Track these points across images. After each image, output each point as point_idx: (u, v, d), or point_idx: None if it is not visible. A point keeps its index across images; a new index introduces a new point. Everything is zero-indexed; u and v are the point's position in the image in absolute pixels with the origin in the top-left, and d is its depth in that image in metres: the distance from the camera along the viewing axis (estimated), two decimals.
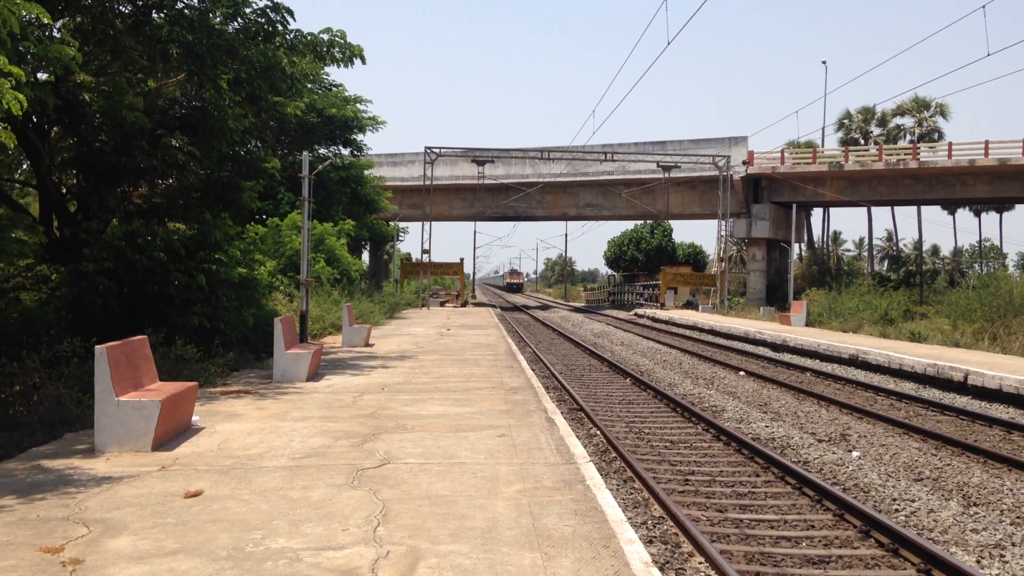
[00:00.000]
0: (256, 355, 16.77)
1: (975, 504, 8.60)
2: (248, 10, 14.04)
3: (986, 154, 45.43)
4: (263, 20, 14.08)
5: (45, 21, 9.78)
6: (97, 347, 8.26)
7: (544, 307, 65.67)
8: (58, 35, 13.55)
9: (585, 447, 9.88)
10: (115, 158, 14.15)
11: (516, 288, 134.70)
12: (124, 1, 13.33)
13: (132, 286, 14.21)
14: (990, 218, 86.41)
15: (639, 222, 77.40)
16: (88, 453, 8.21)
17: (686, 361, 22.31)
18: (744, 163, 51.13)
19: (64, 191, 15.79)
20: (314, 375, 14.33)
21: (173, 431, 8.88)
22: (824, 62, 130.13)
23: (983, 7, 22.28)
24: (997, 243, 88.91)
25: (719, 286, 50.80)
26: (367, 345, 20.85)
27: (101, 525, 5.90)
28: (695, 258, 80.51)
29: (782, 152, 52.49)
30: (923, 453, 10.91)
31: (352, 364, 16.59)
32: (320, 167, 25.43)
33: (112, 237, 14.14)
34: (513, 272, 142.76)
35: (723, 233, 51.99)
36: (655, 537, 7.27)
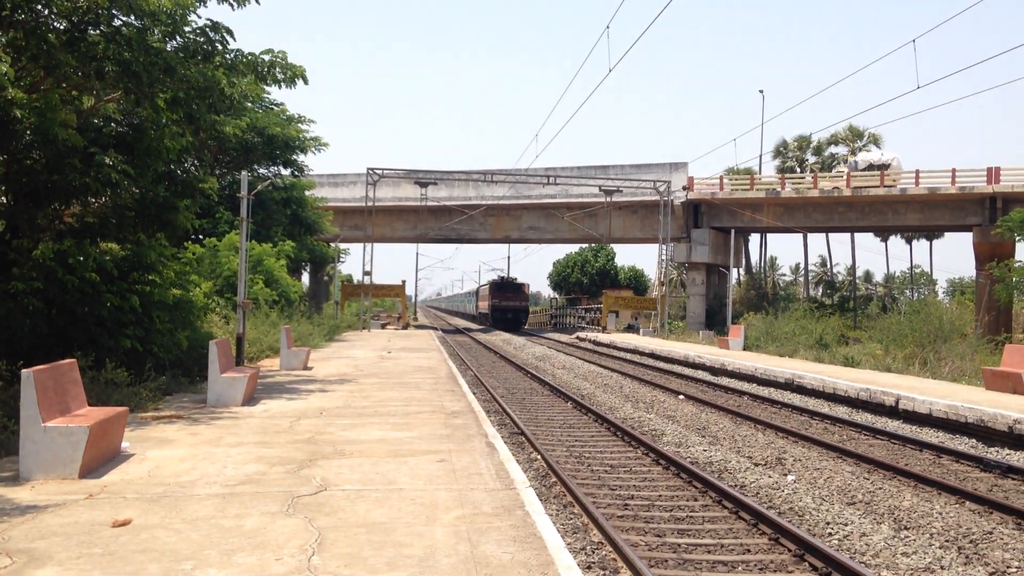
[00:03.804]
0: (190, 379, 16.42)
1: (906, 527, 8.77)
2: (187, 29, 13.86)
3: (916, 183, 46.81)
4: (202, 39, 13.90)
5: None
6: (23, 371, 8.03)
7: (486, 330, 65.60)
8: None
9: (525, 472, 9.85)
10: (46, 176, 13.80)
11: (513, 317, 64.10)
12: (59, 16, 13.05)
13: (62, 307, 13.84)
14: (921, 245, 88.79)
15: (583, 245, 77.96)
16: (12, 481, 7.93)
17: (627, 385, 22.45)
18: (684, 189, 51.90)
19: None
20: (250, 399, 14.08)
21: (102, 458, 8.64)
22: (761, 91, 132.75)
23: (913, 41, 23.08)
24: (927, 270, 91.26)
25: (660, 310, 51.34)
26: (306, 368, 20.57)
27: (25, 556, 5.70)
28: (637, 281, 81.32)
29: (721, 179, 53.42)
30: (856, 477, 11.10)
31: (290, 388, 16.35)
32: (259, 187, 25.13)
33: (42, 257, 13.77)
34: (503, 285, 65.90)
35: (664, 257, 52.61)
36: (594, 563, 7.27)
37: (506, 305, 63.68)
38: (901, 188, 47.04)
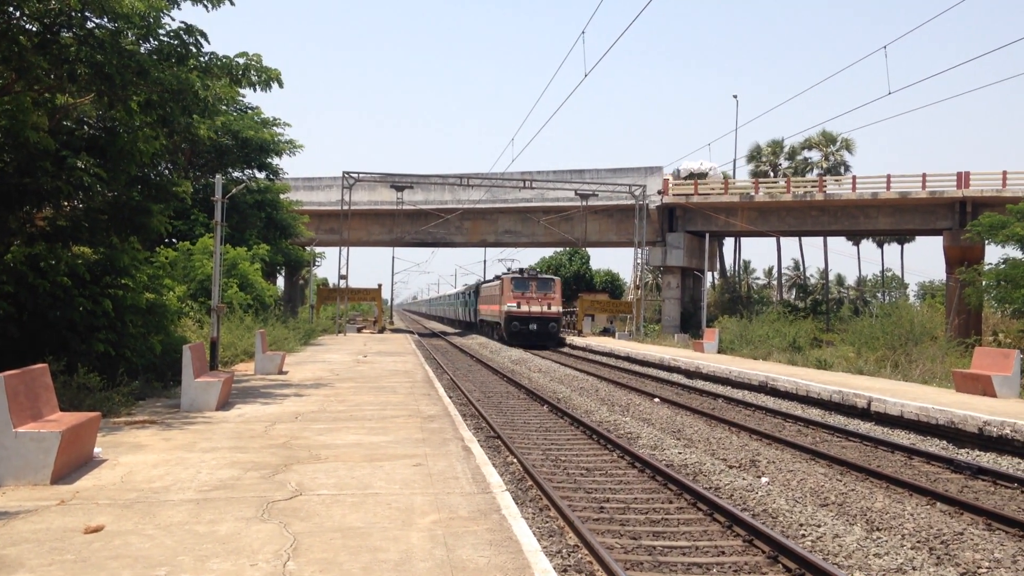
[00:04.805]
0: (163, 384, 16.29)
1: (878, 529, 8.86)
2: (161, 31, 13.77)
3: (888, 188, 47.32)
4: (176, 42, 13.82)
5: None
6: None
7: (462, 334, 65.54)
8: None
9: (501, 476, 9.86)
10: (17, 179, 13.67)
11: (541, 330, 42.93)
12: (31, 19, 12.92)
13: (33, 312, 13.69)
14: (892, 249, 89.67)
15: (558, 249, 78.05)
16: None
17: (603, 388, 22.51)
18: (659, 193, 52.16)
19: None
20: (224, 404, 13.99)
21: (74, 463, 8.56)
22: (735, 96, 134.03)
23: (884, 47, 23.30)
24: (899, 273, 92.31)
25: (635, 313, 51.50)
26: (281, 373, 20.46)
27: None
28: (612, 285, 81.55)
29: (696, 183, 53.74)
30: (829, 478, 11.20)
31: (265, 392, 16.25)
32: (234, 191, 24.99)
33: (13, 260, 13.62)
34: (526, 280, 44.10)
35: (639, 261, 52.79)
36: (570, 566, 7.29)
37: (531, 312, 42.64)
38: (873, 192, 47.55)
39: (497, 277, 48.46)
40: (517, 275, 44.89)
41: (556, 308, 43.81)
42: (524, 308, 42.85)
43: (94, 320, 14.21)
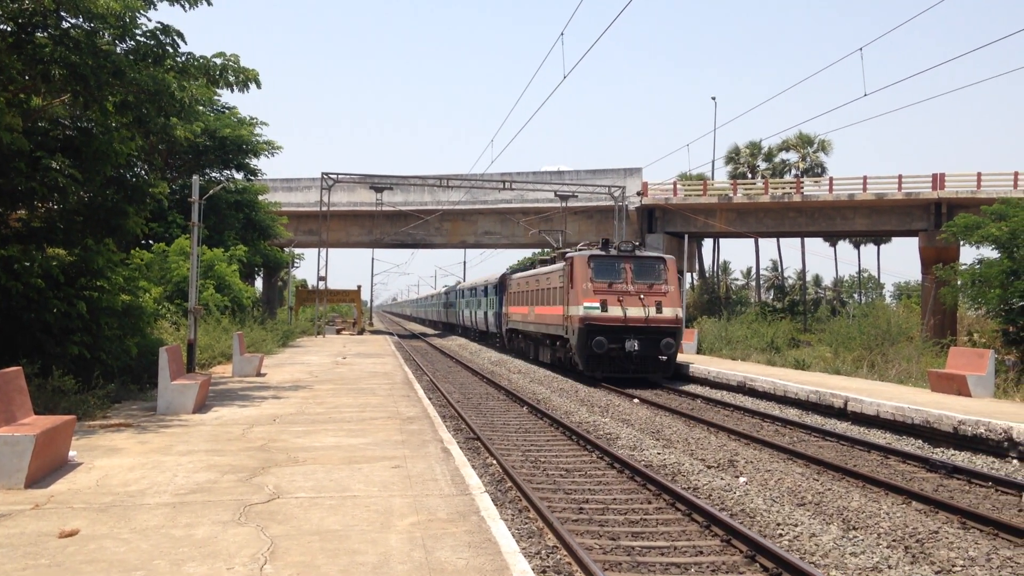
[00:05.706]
0: (140, 386, 16.16)
1: (854, 528, 8.92)
2: (138, 32, 13.67)
3: (864, 189, 47.70)
4: (153, 43, 13.72)
5: None
6: None
7: (442, 334, 65.48)
8: None
9: (481, 477, 9.86)
10: None
11: (647, 352, 23.87)
12: (5, 19, 12.79)
13: (7, 313, 13.55)
14: (868, 250, 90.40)
15: (537, 250, 78.01)
16: None
17: (582, 389, 22.54)
18: (639, 194, 52.30)
19: None
20: (201, 407, 13.89)
21: (48, 467, 8.47)
22: (714, 98, 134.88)
23: (860, 49, 23.44)
24: (875, 274, 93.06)
25: None
26: (259, 375, 20.36)
27: None
28: None
29: (675, 184, 53.94)
30: (806, 478, 11.27)
31: (242, 395, 16.16)
32: (211, 191, 24.83)
33: None
34: (615, 263, 24.47)
35: None
36: (548, 567, 7.29)
37: (629, 319, 24.17)
38: (849, 194, 47.91)
39: (555, 258, 31.76)
40: (600, 253, 25.62)
41: (672, 311, 24.80)
42: (615, 312, 24.22)
43: (69, 322, 14.08)
